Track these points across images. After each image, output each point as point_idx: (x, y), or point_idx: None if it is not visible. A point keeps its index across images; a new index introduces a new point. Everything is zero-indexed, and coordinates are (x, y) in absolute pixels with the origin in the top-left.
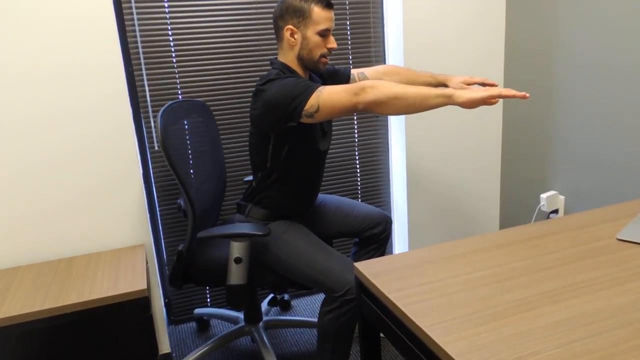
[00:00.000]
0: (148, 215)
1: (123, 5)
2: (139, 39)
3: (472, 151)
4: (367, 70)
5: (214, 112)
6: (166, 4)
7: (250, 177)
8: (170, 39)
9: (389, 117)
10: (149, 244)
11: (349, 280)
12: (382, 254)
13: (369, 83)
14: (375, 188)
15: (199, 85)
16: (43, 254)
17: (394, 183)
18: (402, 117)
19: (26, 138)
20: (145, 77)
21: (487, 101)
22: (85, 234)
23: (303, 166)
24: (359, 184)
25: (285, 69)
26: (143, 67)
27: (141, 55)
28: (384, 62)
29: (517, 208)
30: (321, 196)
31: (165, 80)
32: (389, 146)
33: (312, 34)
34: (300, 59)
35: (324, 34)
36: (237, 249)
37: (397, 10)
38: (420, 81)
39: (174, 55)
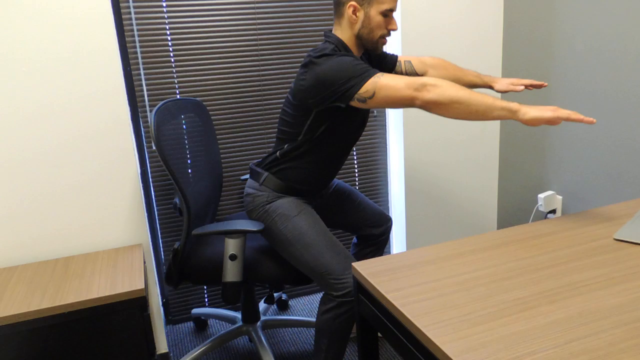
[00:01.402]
0: (146, 214)
1: (121, 4)
2: (136, 38)
3: (470, 151)
4: (413, 60)
5: (211, 111)
6: (164, 3)
7: (247, 176)
8: (168, 37)
9: (386, 117)
10: (147, 243)
11: (351, 283)
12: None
13: (432, 81)
14: (374, 188)
15: (196, 84)
16: (40, 253)
17: (392, 183)
18: (400, 117)
19: (24, 137)
20: (143, 76)
21: (552, 122)
22: (82, 234)
23: (333, 148)
24: (357, 184)
25: (341, 46)
26: (141, 66)
27: (139, 55)
28: None
29: (514, 208)
30: (335, 180)
31: (163, 79)
32: (387, 146)
33: (375, 13)
34: (359, 37)
35: (386, 14)
36: (231, 245)
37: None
38: (466, 80)
39: (171, 54)
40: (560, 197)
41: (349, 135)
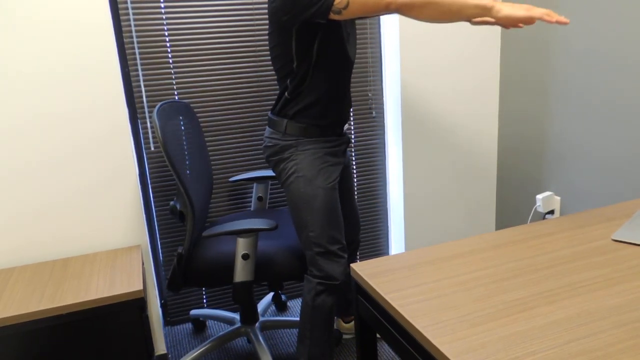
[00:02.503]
0: (144, 216)
1: (119, 5)
2: (135, 40)
3: (468, 152)
4: None
5: (208, 113)
6: (162, 4)
7: (237, 177)
8: (167, 39)
9: (385, 118)
10: (145, 244)
11: (334, 271)
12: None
13: None
14: (372, 189)
15: (194, 86)
16: (38, 254)
17: (391, 184)
18: (399, 118)
19: (22, 139)
20: (141, 78)
21: (527, 22)
22: (81, 235)
23: (334, 70)
24: (356, 185)
25: None
26: (139, 67)
27: (137, 56)
28: (381, 77)
29: (513, 209)
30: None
31: (161, 81)
32: (386, 147)
33: None
34: None
35: None
36: (243, 245)
37: (394, 29)
38: None
39: (170, 55)
40: (558, 198)
41: (343, 54)
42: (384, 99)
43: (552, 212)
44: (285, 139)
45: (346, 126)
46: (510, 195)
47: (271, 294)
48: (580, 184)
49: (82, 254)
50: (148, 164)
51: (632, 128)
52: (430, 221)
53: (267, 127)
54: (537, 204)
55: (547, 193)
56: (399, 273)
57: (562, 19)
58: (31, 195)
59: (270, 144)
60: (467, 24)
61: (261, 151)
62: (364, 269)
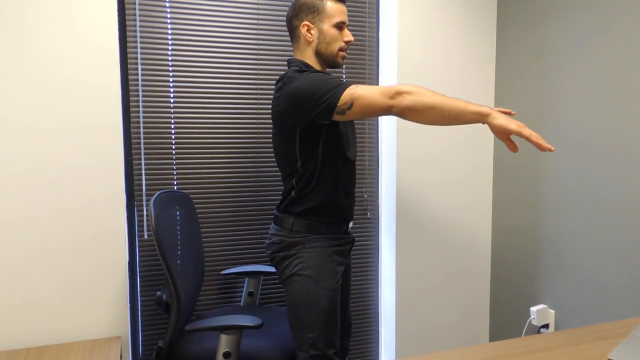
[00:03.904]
0: (129, 305)
1: (130, 94)
2: (141, 129)
3: (462, 253)
4: None
5: (205, 204)
6: (172, 95)
7: (229, 270)
8: (173, 130)
9: (380, 218)
10: (126, 336)
11: None
12: None
13: (406, 88)
14: (364, 291)
15: (195, 177)
16: (13, 340)
17: (383, 285)
18: (394, 219)
19: (16, 221)
20: (143, 166)
21: (511, 148)
22: (60, 323)
23: (338, 169)
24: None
25: (304, 66)
26: (142, 156)
27: (142, 144)
28: (378, 178)
29: (507, 319)
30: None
31: (162, 170)
32: (379, 248)
33: (328, 27)
34: (318, 54)
35: (339, 27)
36: (226, 342)
37: (392, 124)
38: None
39: (174, 146)
40: (553, 312)
41: (344, 155)
42: (380, 200)
43: (546, 325)
44: (292, 236)
45: (351, 224)
46: (504, 306)
47: None
48: (575, 298)
49: (58, 343)
50: (139, 251)
51: (628, 243)
52: (422, 326)
53: (272, 223)
54: (532, 317)
55: (542, 306)
56: None
57: (546, 146)
58: (12, 279)
59: (277, 241)
60: (462, 140)
61: (255, 246)
62: None
